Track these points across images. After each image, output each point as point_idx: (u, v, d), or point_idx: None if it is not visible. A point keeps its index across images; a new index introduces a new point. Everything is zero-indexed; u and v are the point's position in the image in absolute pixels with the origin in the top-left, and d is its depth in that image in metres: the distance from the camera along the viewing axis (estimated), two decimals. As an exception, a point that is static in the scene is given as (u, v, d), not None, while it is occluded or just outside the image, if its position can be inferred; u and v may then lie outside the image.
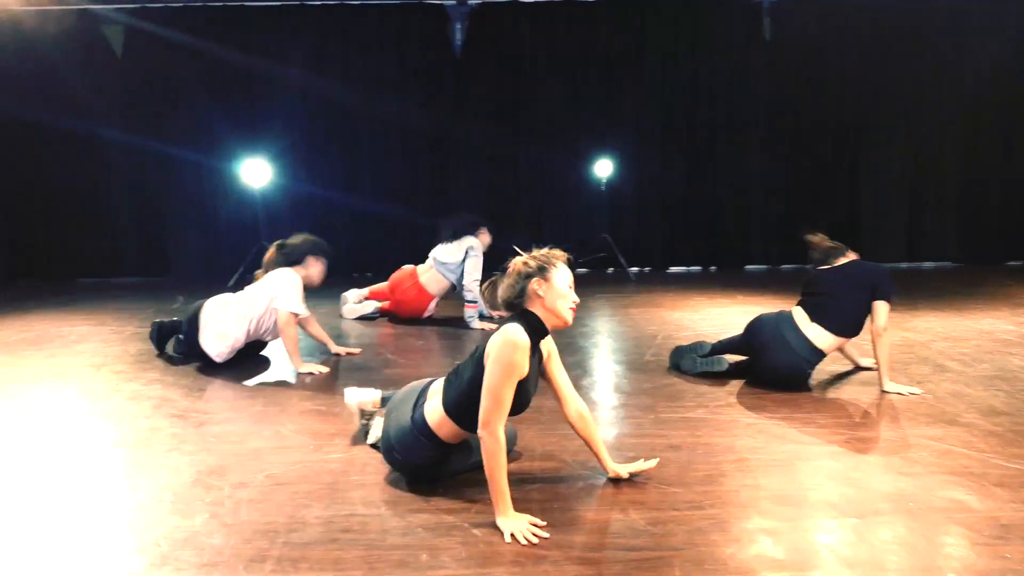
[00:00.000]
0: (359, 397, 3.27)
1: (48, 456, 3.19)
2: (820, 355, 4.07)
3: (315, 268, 4.90)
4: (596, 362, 4.89)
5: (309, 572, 2.20)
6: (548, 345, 2.83)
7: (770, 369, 4.09)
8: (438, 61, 9.10)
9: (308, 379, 4.42)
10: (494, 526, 2.44)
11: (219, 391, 4.23)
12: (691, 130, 9.41)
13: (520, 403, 2.63)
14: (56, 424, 3.60)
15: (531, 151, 9.19)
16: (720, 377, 4.33)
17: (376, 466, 2.99)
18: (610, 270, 9.27)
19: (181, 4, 8.76)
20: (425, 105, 9.08)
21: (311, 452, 3.18)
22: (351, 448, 3.22)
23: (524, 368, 2.56)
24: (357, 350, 5.15)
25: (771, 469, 2.96)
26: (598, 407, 3.84)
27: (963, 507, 2.57)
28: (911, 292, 7.23)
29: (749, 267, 9.51)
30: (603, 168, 8.86)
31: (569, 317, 2.66)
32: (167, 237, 9.17)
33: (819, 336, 4.03)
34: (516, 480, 2.73)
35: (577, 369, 4.57)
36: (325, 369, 4.55)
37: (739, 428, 3.45)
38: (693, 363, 4.43)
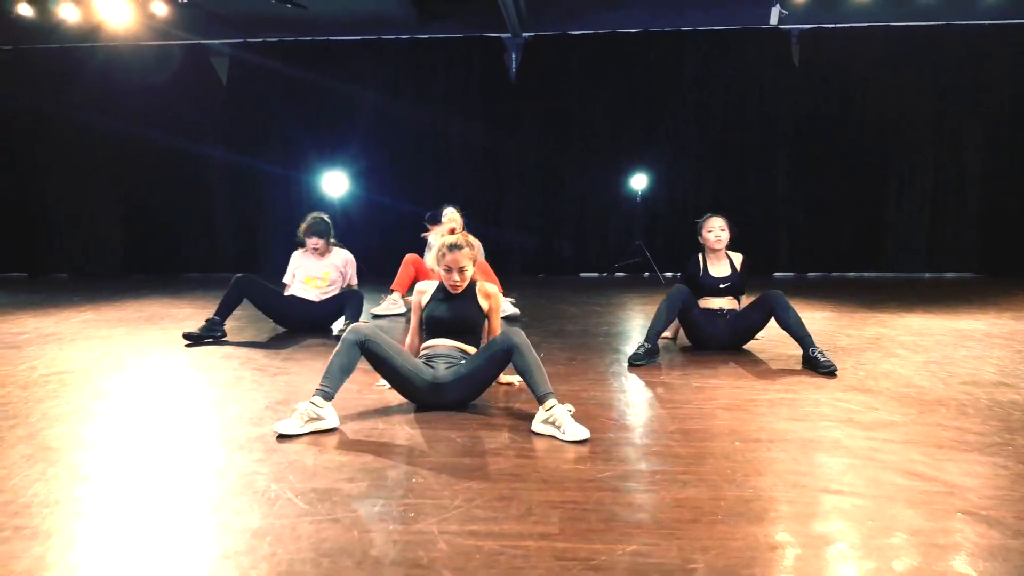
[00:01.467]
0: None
1: (160, 394, 4.36)
2: None
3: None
4: (598, 343, 5.84)
5: (338, 455, 3.26)
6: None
7: None
8: (495, 87, 10.24)
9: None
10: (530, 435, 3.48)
11: (292, 353, 5.37)
12: (723, 146, 10.24)
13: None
14: (166, 374, 4.79)
15: (576, 166, 10.22)
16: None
17: (395, 404, 4.04)
18: (645, 275, 10.16)
19: (277, 39, 10.13)
20: (483, 125, 10.23)
21: (354, 393, 4.25)
22: (384, 392, 4.28)
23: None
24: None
25: (693, 413, 3.88)
26: (582, 373, 4.82)
27: (827, 439, 3.42)
28: (914, 299, 7.89)
29: (777, 274, 10.27)
30: (639, 181, 9.79)
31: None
32: (260, 239, 10.54)
33: None
34: (511, 414, 3.77)
35: (611, 354, 5.43)
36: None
37: (684, 388, 4.38)
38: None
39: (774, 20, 9.81)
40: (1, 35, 10.10)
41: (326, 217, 6.44)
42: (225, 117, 10.43)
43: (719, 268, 5.43)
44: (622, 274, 10.15)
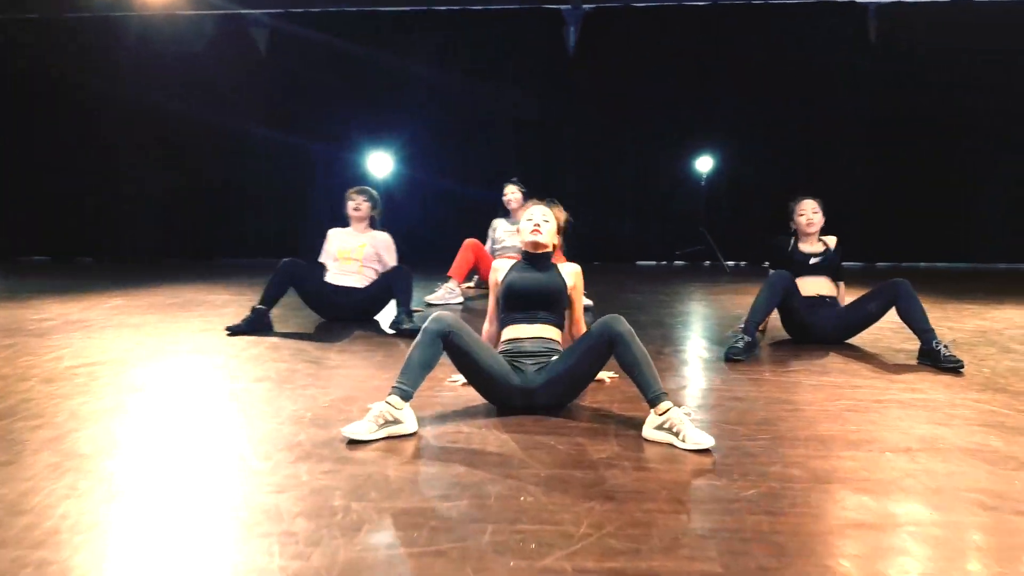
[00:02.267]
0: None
1: (203, 389, 3.88)
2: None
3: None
4: (679, 334, 5.34)
5: (424, 466, 2.76)
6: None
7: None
8: (553, 60, 9.69)
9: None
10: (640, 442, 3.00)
11: (347, 345, 4.89)
12: (793, 128, 9.68)
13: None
14: (208, 366, 4.31)
15: (636, 147, 9.68)
16: (792, 347, 4.73)
17: (475, 403, 3.54)
18: (707, 263, 9.62)
19: (319, 9, 9.64)
20: (539, 102, 9.69)
21: (423, 391, 3.75)
22: (459, 388, 3.78)
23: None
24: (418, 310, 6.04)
25: (820, 416, 3.36)
26: (676, 367, 4.29)
27: (988, 447, 2.92)
28: (1001, 290, 7.32)
29: (846, 263, 9.67)
30: (704, 164, 9.23)
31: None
32: (300, 221, 10.06)
33: None
34: (595, 416, 3.24)
35: (659, 340, 5.04)
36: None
37: (800, 387, 3.86)
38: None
39: (850, -8, 9.24)
40: (27, 3, 9.64)
41: (375, 192, 5.97)
42: (264, 91, 9.94)
43: (811, 249, 5.09)
44: (681, 263, 9.58)
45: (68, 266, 9.77)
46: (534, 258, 3.66)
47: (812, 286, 4.95)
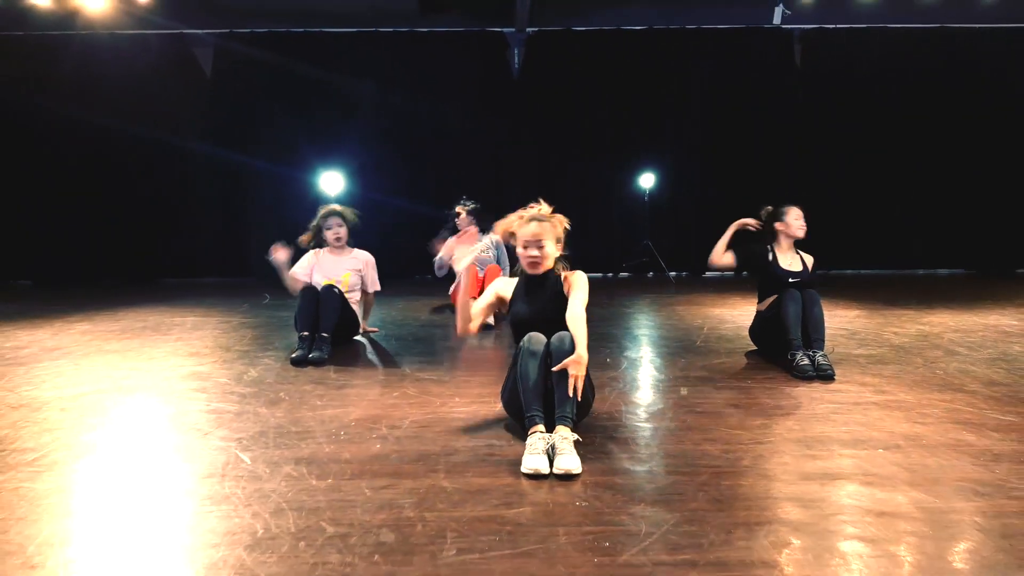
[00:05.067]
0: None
1: (222, 414, 3.97)
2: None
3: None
4: (653, 346, 5.65)
5: (475, 478, 2.96)
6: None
7: None
8: (497, 83, 9.95)
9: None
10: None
11: (344, 362, 5.02)
12: (728, 145, 10.15)
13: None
14: (216, 388, 4.40)
15: (580, 165, 10.00)
16: (762, 357, 5.09)
17: (496, 415, 3.75)
18: (650, 274, 10.02)
19: (265, 30, 9.67)
20: (485, 122, 9.92)
21: (439, 407, 3.95)
22: (471, 404, 3.98)
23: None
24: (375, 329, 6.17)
25: (811, 419, 3.70)
26: (660, 380, 4.59)
27: (965, 443, 3.30)
28: (929, 295, 7.97)
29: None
30: (646, 180, 9.62)
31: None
32: (249, 241, 10.02)
33: None
34: (613, 424, 3.52)
35: (635, 351, 5.34)
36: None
37: (783, 394, 4.20)
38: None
39: (777, 20, 9.76)
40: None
41: (352, 212, 5.91)
42: (209, 111, 9.88)
43: (789, 262, 5.20)
44: (626, 274, 9.96)
45: (7, 290, 9.49)
46: (537, 277, 3.69)
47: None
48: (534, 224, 3.61)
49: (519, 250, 3.67)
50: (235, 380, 4.56)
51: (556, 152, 10.00)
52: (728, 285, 9.21)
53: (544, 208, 3.69)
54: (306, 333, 5.09)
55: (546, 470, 2.97)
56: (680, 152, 10.08)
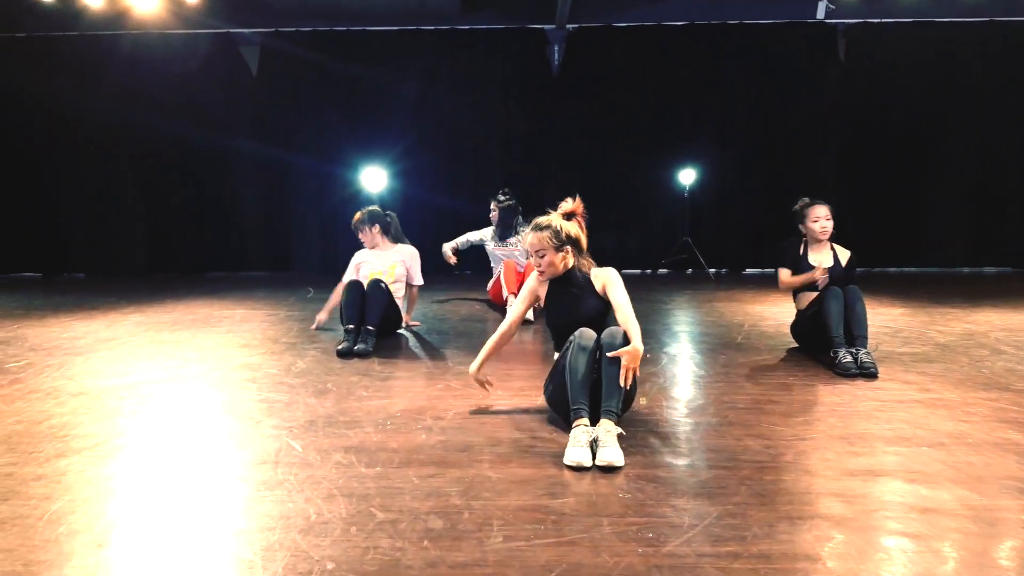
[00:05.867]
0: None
1: (273, 403, 4.08)
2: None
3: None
4: (693, 342, 5.66)
5: (518, 469, 3.02)
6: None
7: None
8: (537, 79, 9.98)
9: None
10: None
11: (388, 354, 5.11)
12: (769, 141, 10.06)
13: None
14: (267, 378, 4.51)
15: (620, 161, 10.00)
16: (804, 354, 5.08)
17: (538, 408, 3.81)
18: (689, 271, 10.00)
19: (310, 28, 9.80)
20: (525, 119, 9.97)
21: (482, 399, 4.01)
22: (513, 398, 4.04)
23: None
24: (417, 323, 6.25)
25: (853, 416, 3.71)
26: (701, 376, 4.62)
27: (1011, 441, 3.29)
28: (974, 293, 7.86)
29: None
30: (687, 176, 9.59)
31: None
32: (292, 236, 10.19)
33: None
34: (654, 419, 3.57)
35: (677, 348, 5.38)
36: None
37: (825, 391, 4.20)
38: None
39: (820, 14, 9.66)
40: (17, 21, 9.61)
41: (377, 209, 6.04)
42: (255, 109, 10.02)
43: (820, 257, 5.15)
44: (665, 271, 9.95)
45: (61, 283, 9.77)
46: (561, 279, 3.80)
47: (809, 297, 5.10)
48: (532, 235, 3.75)
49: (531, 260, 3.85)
50: (284, 371, 4.67)
51: (596, 148, 9.99)
52: (770, 283, 9.14)
53: (553, 215, 3.78)
54: (351, 326, 5.19)
55: (589, 463, 3.02)
56: (721, 148, 10.01)
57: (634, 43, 9.95)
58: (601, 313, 3.71)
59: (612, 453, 3.03)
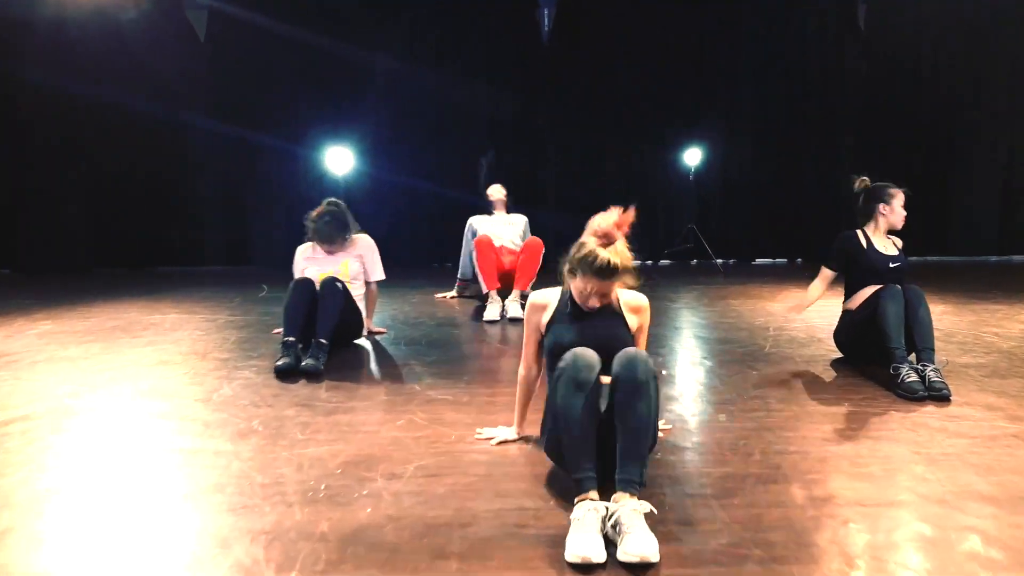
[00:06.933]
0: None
1: (174, 445, 3.10)
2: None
3: None
4: (713, 354, 4.70)
5: (498, 570, 2.06)
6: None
7: None
8: (526, 47, 9.00)
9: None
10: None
11: (339, 375, 4.13)
12: (782, 119, 9.26)
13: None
14: (177, 412, 3.52)
15: (619, 139, 9.09)
16: (851, 367, 4.16)
17: (528, 456, 2.87)
18: (694, 261, 9.10)
19: (269, -8, 8.73)
20: (512, 93, 9.00)
21: (454, 443, 3.05)
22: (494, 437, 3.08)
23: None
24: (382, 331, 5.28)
25: (945, 463, 2.75)
26: (730, 399, 3.66)
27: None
28: (1013, 286, 7.13)
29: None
30: (692, 157, 8.68)
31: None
32: (250, 225, 9.18)
33: None
34: (683, 472, 2.59)
35: (706, 360, 4.45)
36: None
37: (895, 424, 3.26)
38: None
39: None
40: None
41: (339, 207, 4.92)
42: (204, 81, 8.95)
43: (883, 245, 4.35)
44: (667, 262, 9.01)
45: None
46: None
47: (868, 291, 4.22)
48: (608, 279, 2.71)
49: (574, 286, 2.79)
50: (203, 400, 3.69)
51: (592, 126, 9.06)
52: (783, 274, 8.26)
53: (611, 251, 2.70)
54: (292, 339, 4.19)
55: (600, 558, 2.05)
56: (730, 126, 9.17)
57: (634, 7, 8.96)
58: (623, 347, 2.65)
59: (642, 543, 2.05)
